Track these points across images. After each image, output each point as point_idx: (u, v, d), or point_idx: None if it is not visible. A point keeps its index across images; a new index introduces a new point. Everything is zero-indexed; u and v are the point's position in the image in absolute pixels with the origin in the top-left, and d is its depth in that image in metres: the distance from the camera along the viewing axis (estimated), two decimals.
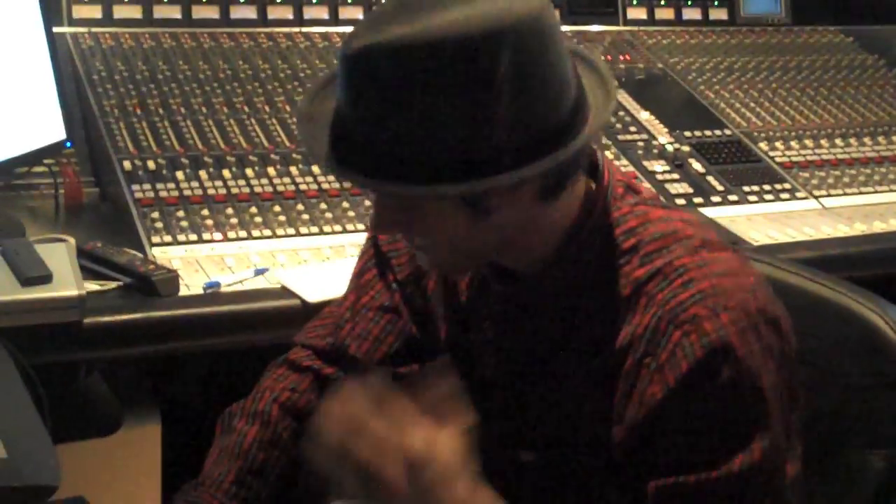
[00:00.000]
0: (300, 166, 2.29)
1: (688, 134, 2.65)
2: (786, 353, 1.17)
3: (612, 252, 1.19)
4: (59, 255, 1.85)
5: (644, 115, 2.71)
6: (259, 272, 1.97)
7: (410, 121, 1.04)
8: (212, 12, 2.72)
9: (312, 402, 1.33)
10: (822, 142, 2.75)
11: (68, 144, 2.25)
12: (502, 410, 1.27)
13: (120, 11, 2.64)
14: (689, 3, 3.20)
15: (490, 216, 1.12)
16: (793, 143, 2.71)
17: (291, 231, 2.12)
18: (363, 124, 1.06)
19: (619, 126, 2.63)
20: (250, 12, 2.75)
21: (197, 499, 1.21)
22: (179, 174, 2.22)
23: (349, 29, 1.14)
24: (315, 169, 2.29)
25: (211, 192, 2.19)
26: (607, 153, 2.47)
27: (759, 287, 1.18)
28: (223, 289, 1.91)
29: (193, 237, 2.06)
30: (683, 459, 1.14)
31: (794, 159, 2.65)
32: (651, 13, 3.16)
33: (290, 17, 2.78)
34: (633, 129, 2.64)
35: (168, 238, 2.05)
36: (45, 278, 1.77)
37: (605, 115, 1.15)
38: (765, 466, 1.13)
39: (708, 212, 2.35)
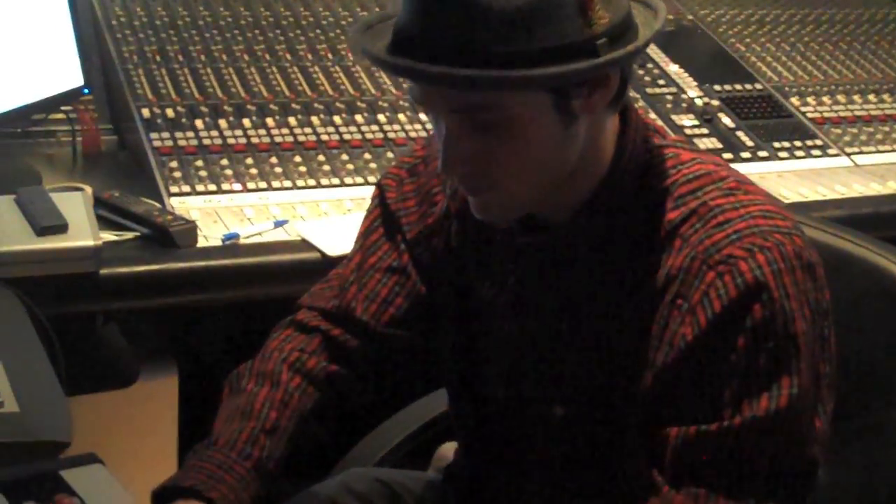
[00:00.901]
0: (321, 116, 2.26)
1: (717, 88, 2.60)
2: (820, 303, 1.14)
3: (644, 195, 1.17)
4: (75, 205, 1.82)
5: (673, 68, 2.65)
6: (279, 224, 1.94)
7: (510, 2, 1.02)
8: None
9: (321, 363, 1.30)
10: (856, 97, 2.68)
11: (86, 91, 2.21)
12: (532, 366, 1.24)
13: None
14: None
15: (575, 123, 1.10)
16: (825, 99, 2.66)
17: (312, 182, 2.09)
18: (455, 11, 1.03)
19: (647, 79, 2.58)
20: None
21: (210, 458, 1.18)
22: (199, 123, 2.18)
23: None
24: (337, 119, 2.25)
25: (231, 141, 2.15)
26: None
27: (796, 231, 1.15)
28: (242, 240, 1.89)
29: (212, 187, 2.03)
30: (709, 405, 1.11)
31: (826, 115, 2.59)
32: None
33: None
34: (661, 81, 2.59)
35: (186, 188, 2.02)
36: (61, 228, 1.74)
37: (658, 24, 1.14)
38: (790, 414, 1.11)
39: (737, 168, 2.29)
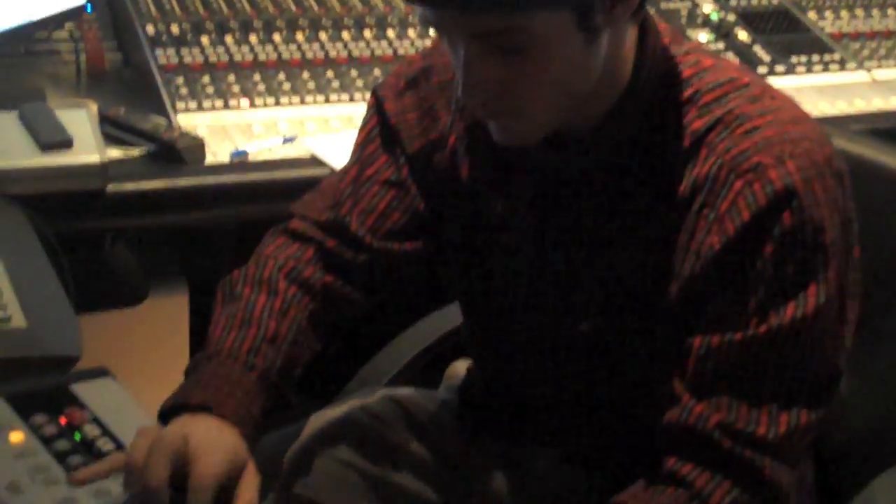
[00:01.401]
0: (330, 32, 2.21)
1: (734, 2, 2.54)
2: (848, 211, 1.12)
3: (666, 105, 1.14)
4: (80, 121, 1.79)
5: None
6: (287, 140, 1.91)
7: None
8: None
9: (317, 273, 1.27)
10: (874, 11, 2.63)
11: (89, 8, 2.16)
12: (553, 281, 1.22)
13: None
14: None
15: (598, 38, 1.07)
16: (843, 13, 2.60)
17: (321, 98, 2.05)
18: None
19: None
20: None
21: (216, 372, 1.16)
22: (204, 39, 2.13)
23: None
24: (345, 35, 2.21)
25: (237, 58, 2.11)
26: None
27: (824, 138, 1.12)
28: (251, 157, 1.86)
29: (220, 104, 2.00)
30: (735, 314, 1.09)
31: (843, 30, 2.54)
32: None
33: None
34: None
35: (193, 105, 1.98)
36: (65, 143, 1.71)
37: None
38: (816, 324, 1.09)
39: None
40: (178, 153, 1.78)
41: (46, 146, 1.69)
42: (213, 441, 1.05)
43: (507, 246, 1.26)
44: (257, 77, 2.07)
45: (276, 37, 2.17)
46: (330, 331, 1.30)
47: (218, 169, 1.82)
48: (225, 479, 1.04)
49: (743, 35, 2.43)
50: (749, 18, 2.49)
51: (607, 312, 1.19)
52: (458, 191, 1.27)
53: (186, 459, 1.03)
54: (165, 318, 1.95)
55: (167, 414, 1.11)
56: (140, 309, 1.95)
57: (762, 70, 2.33)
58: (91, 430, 1.14)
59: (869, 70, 2.41)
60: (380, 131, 1.31)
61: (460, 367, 1.55)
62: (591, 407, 1.26)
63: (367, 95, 1.98)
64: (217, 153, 1.85)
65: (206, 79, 2.04)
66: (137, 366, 1.69)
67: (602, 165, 1.16)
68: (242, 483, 1.05)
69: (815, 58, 2.40)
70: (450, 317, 1.64)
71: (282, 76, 2.08)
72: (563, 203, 1.19)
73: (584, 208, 1.18)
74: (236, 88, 2.03)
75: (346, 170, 1.33)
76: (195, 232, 2.02)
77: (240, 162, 1.84)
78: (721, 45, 2.39)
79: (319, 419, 1.37)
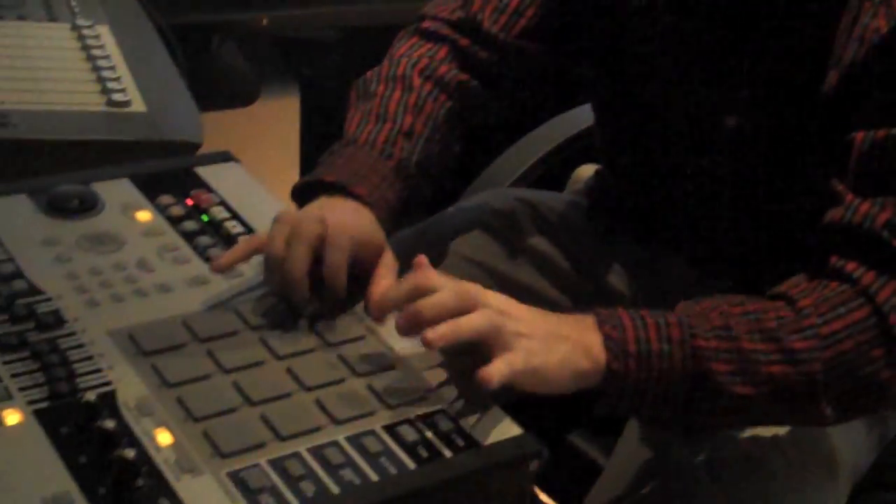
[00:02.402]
0: None
1: None
2: None
3: None
4: None
5: None
6: None
7: None
8: None
9: (452, 71, 1.22)
10: None
11: None
12: (700, 71, 1.14)
13: None
14: None
15: None
16: None
17: None
18: None
19: None
20: None
21: (352, 156, 1.12)
22: None
23: None
24: None
25: None
26: None
27: None
28: None
29: None
30: None
31: None
32: None
33: None
34: None
35: None
36: None
37: None
38: None
39: None
40: None
41: None
42: (349, 224, 1.01)
43: (648, 38, 1.18)
44: None
45: None
46: (462, 130, 1.25)
47: None
48: (360, 262, 1.00)
49: None
50: None
51: (756, 105, 1.11)
52: None
53: (324, 245, 0.99)
54: (276, 119, 1.92)
55: (301, 193, 1.08)
56: (251, 110, 1.91)
57: None
58: (218, 213, 1.11)
59: None
60: None
61: (586, 171, 1.49)
62: (731, 209, 1.20)
63: None
64: None
65: None
66: (249, 161, 1.66)
67: None
68: (380, 267, 1.01)
69: None
70: (575, 120, 1.58)
71: None
72: None
73: None
74: None
75: None
76: (304, 36, 1.97)
77: None
78: None
79: (447, 217, 1.33)
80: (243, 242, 1.03)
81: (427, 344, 0.88)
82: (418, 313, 0.89)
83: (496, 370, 0.87)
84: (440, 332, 0.88)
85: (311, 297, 0.97)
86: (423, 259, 0.96)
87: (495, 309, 0.91)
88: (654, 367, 0.94)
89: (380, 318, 0.96)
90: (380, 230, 1.04)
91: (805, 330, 0.96)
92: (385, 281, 1.00)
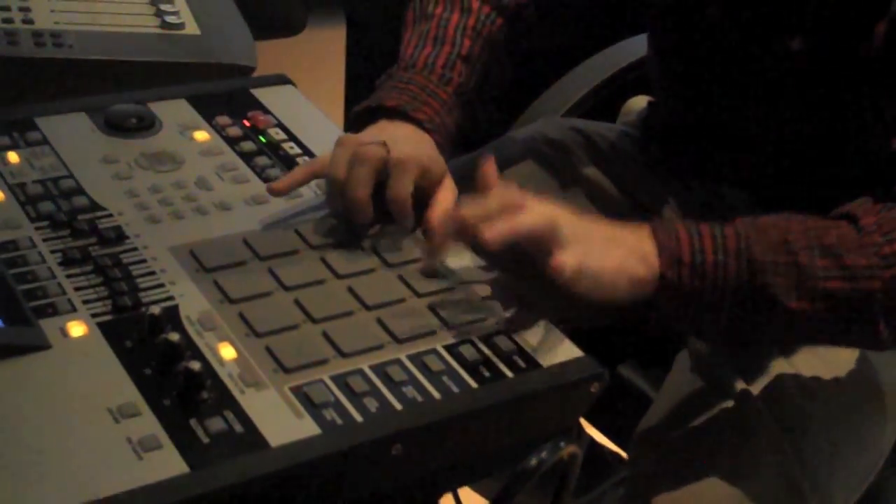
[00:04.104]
0: None
1: None
2: None
3: None
4: None
5: None
6: None
7: None
8: None
9: None
10: None
11: None
12: None
13: None
14: None
15: None
16: None
17: None
18: None
19: None
20: None
21: (411, 80, 1.10)
22: None
23: None
24: None
25: None
26: None
27: None
28: None
29: None
30: None
31: None
32: None
33: None
34: None
35: None
36: None
37: None
38: None
39: None
40: None
41: None
42: (412, 150, 1.00)
43: None
44: None
45: None
46: (519, 56, 1.23)
47: None
48: (421, 188, 0.99)
49: None
50: None
51: (823, 27, 1.08)
52: None
53: (386, 169, 0.98)
54: (322, 49, 1.91)
55: (360, 118, 1.07)
56: (297, 39, 1.90)
57: None
58: (276, 134, 1.11)
59: None
60: None
61: (638, 102, 1.47)
62: (793, 142, 1.18)
63: None
64: None
65: None
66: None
67: None
68: (441, 191, 1.01)
69: None
70: (629, 50, 1.56)
71: None
72: None
73: None
74: None
75: None
76: None
77: None
78: None
79: (501, 145, 1.32)
80: (302, 166, 1.02)
81: (485, 243, 0.84)
82: (465, 218, 0.86)
83: (565, 260, 0.84)
84: (497, 229, 0.84)
85: (373, 220, 0.97)
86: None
87: (551, 209, 0.88)
88: (707, 277, 0.91)
89: (439, 242, 0.95)
90: (440, 156, 1.03)
91: (867, 248, 0.93)
92: (443, 206, 1.00)
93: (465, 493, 1.23)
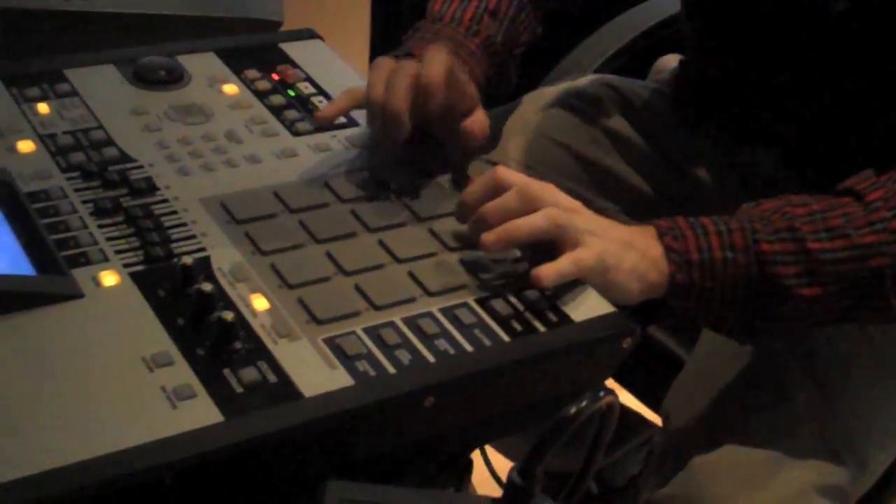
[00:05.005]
0: None
1: None
2: None
3: None
4: None
5: None
6: None
7: None
8: None
9: None
10: None
11: None
12: None
13: None
14: None
15: None
16: None
17: None
18: None
19: None
20: None
21: (439, 32, 1.10)
22: None
23: None
24: None
25: None
26: None
27: None
28: None
29: None
30: None
31: None
32: None
33: None
34: None
35: None
36: None
37: None
38: None
39: None
40: None
41: None
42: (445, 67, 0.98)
43: None
44: None
45: None
46: (546, 13, 1.22)
47: None
48: (451, 108, 0.99)
49: None
50: None
51: None
52: None
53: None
54: (349, 3, 1.89)
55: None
56: None
57: None
58: (304, 88, 1.10)
59: None
60: None
61: (669, 60, 1.46)
62: (829, 103, 1.16)
63: None
64: None
65: None
66: None
67: None
68: (474, 114, 1.00)
69: None
70: (659, 7, 1.54)
71: None
72: None
73: None
74: None
75: None
76: None
77: None
78: None
79: (533, 98, 1.31)
80: (344, 94, 1.01)
81: (483, 247, 0.86)
82: (482, 218, 0.88)
83: (551, 269, 0.85)
84: (496, 235, 0.86)
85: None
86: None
87: (563, 208, 0.89)
88: (718, 275, 0.91)
89: (465, 221, 0.92)
90: (472, 83, 1.02)
91: (874, 224, 0.92)
92: (478, 124, 1.00)
93: (491, 453, 1.23)
